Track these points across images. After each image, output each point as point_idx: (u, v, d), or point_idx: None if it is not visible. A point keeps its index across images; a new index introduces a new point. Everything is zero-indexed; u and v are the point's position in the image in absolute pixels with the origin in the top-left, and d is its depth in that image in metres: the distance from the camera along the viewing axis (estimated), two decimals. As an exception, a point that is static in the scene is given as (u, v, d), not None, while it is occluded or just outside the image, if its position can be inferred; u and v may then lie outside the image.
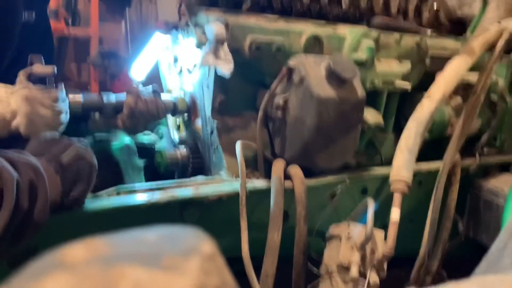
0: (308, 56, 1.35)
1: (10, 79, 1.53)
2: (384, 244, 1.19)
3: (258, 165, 1.38)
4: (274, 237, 1.22)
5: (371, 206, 1.24)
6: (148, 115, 1.52)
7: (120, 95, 1.54)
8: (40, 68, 1.28)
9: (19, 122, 1.23)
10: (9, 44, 1.49)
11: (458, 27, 2.15)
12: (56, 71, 1.31)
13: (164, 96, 1.62)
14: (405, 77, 1.56)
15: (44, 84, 1.30)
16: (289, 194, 1.28)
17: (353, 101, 1.32)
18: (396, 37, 1.55)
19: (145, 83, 1.65)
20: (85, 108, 1.49)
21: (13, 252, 0.92)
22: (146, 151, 1.77)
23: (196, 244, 0.33)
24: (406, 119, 1.41)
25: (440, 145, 1.72)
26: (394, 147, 1.51)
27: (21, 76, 1.26)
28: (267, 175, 1.35)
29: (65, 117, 1.33)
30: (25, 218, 0.89)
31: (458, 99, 1.70)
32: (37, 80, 1.29)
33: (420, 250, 1.50)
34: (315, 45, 1.47)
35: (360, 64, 1.46)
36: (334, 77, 1.28)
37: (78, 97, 1.46)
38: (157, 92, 1.57)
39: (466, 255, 1.91)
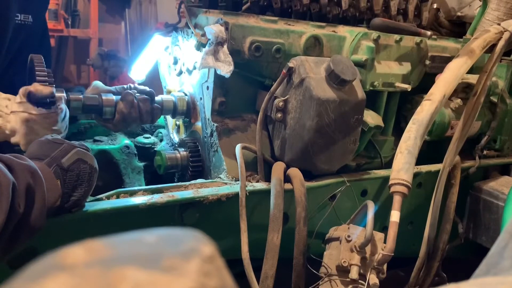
0: (308, 57, 1.35)
1: (7, 79, 1.53)
2: (384, 246, 1.19)
3: (258, 167, 1.38)
4: (274, 238, 1.22)
5: (370, 208, 1.24)
6: (140, 121, 1.52)
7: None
8: (39, 88, 1.25)
9: (18, 141, 1.25)
10: (1, 45, 1.49)
11: (458, 27, 2.16)
12: (54, 92, 1.29)
13: (165, 97, 1.61)
14: (405, 79, 1.56)
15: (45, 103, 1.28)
16: (288, 196, 1.28)
17: (353, 102, 1.32)
18: (396, 38, 1.55)
19: (144, 85, 1.65)
20: (85, 110, 1.48)
21: (9, 255, 0.92)
22: (146, 152, 1.77)
23: (196, 246, 0.33)
24: (406, 121, 1.41)
25: (440, 146, 1.72)
26: (394, 149, 1.52)
27: (21, 95, 1.25)
28: (267, 178, 1.35)
29: (64, 134, 1.34)
30: (21, 222, 0.88)
31: (458, 101, 1.70)
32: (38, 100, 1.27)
33: (420, 252, 1.50)
34: (315, 46, 1.47)
35: (360, 65, 1.46)
36: (334, 78, 1.28)
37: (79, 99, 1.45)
38: (152, 98, 1.55)
39: (466, 257, 1.92)
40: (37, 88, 1.25)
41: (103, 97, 1.47)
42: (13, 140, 1.25)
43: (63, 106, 1.33)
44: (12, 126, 1.24)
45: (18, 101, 1.25)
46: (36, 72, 1.29)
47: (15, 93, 1.28)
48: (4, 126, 1.24)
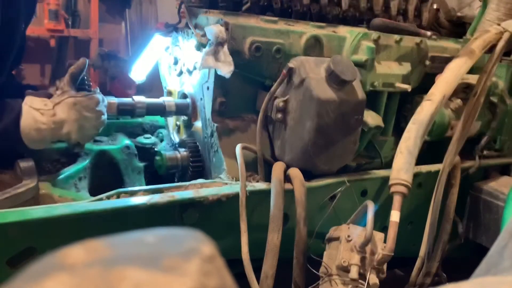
0: (308, 57, 1.35)
1: None
2: (384, 245, 1.19)
3: (258, 167, 1.38)
4: (274, 238, 1.22)
5: (370, 208, 1.24)
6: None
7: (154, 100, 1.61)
8: (74, 67, 1.35)
9: (70, 130, 1.31)
10: (11, 51, 1.50)
11: (458, 28, 2.16)
12: (87, 63, 1.38)
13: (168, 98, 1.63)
14: (405, 79, 1.56)
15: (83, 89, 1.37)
16: (289, 196, 1.28)
17: (353, 102, 1.32)
18: (396, 39, 1.55)
19: (144, 85, 1.66)
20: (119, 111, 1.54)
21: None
22: (146, 153, 1.77)
23: (196, 246, 0.33)
24: (406, 121, 1.41)
25: (440, 147, 1.72)
26: (394, 149, 1.52)
27: (65, 82, 1.33)
28: (267, 178, 1.35)
29: (105, 117, 1.42)
30: None
31: (458, 101, 1.70)
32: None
33: (420, 252, 1.50)
34: (315, 46, 1.47)
35: (360, 65, 1.46)
36: (334, 79, 1.28)
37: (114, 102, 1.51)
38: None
39: (466, 257, 1.92)
40: (72, 68, 1.35)
41: (135, 100, 1.56)
42: (65, 131, 1.31)
43: (101, 96, 1.41)
44: (59, 116, 1.29)
45: (59, 93, 1.32)
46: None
47: None
48: (50, 121, 1.29)
